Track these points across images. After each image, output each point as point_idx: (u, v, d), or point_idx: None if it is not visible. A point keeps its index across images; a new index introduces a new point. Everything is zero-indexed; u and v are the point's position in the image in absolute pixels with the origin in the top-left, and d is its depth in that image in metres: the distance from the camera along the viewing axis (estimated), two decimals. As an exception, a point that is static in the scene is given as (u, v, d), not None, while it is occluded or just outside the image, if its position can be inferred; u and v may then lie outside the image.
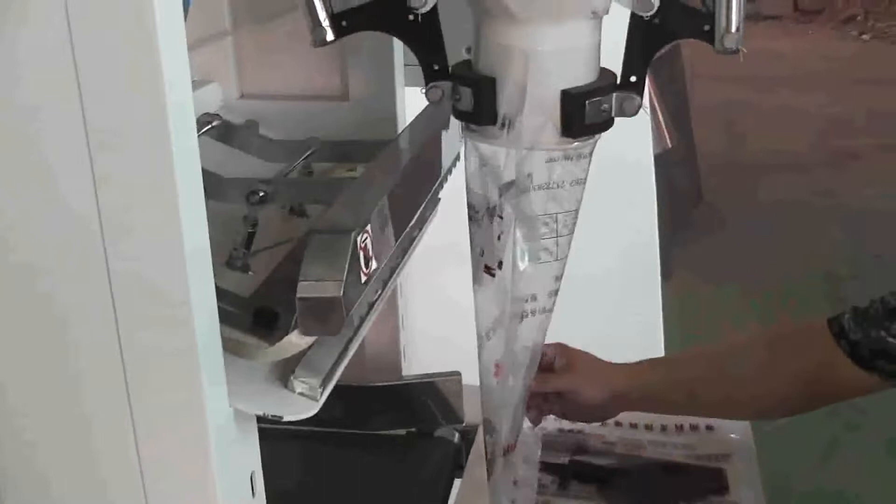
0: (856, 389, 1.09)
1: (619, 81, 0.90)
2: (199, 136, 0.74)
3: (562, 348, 1.23)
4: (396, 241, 0.96)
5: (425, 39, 0.91)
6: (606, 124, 0.90)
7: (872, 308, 1.06)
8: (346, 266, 0.77)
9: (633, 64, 0.90)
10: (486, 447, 1.08)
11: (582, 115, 0.87)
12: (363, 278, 0.82)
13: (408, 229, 1.01)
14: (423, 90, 0.93)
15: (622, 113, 0.90)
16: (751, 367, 1.17)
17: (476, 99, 0.90)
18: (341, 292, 0.76)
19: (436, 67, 0.93)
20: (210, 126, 1.11)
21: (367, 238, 0.82)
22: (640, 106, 0.90)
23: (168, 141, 0.68)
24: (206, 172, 0.74)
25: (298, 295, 0.76)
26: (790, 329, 1.22)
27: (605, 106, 0.88)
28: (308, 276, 0.76)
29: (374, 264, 0.84)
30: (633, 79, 0.89)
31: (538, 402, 1.22)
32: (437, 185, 1.16)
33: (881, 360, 1.04)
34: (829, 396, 1.14)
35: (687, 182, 4.31)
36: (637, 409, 1.25)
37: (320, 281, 0.76)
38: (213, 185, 0.90)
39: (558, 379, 1.23)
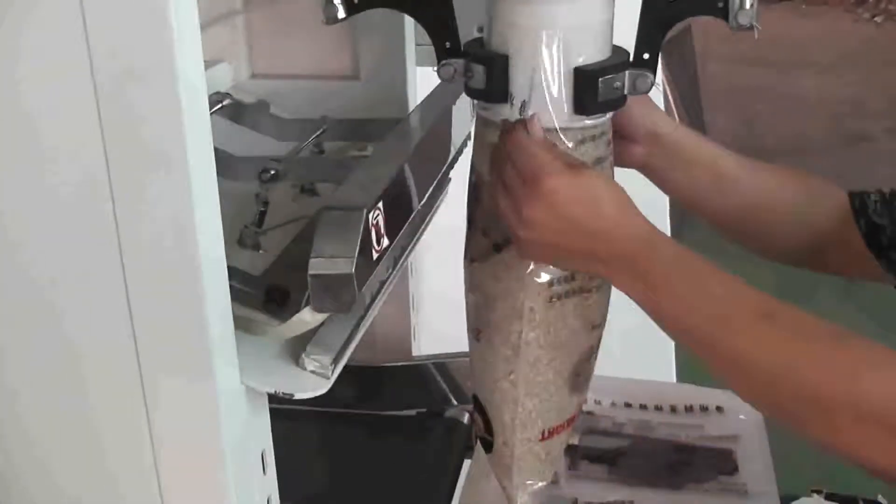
0: (858, 267, 1.03)
1: (632, 59, 0.89)
2: (210, 115, 0.74)
3: None
4: (408, 219, 0.96)
5: (437, 17, 0.91)
6: (619, 101, 0.89)
7: None
8: (358, 243, 0.77)
9: (646, 41, 0.89)
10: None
11: (595, 92, 0.87)
12: (375, 256, 0.82)
13: (419, 208, 1.01)
14: (436, 68, 0.93)
15: (635, 90, 0.89)
16: (753, 188, 1.08)
17: (489, 76, 0.90)
18: (353, 269, 0.76)
19: (448, 45, 0.92)
20: (221, 105, 1.11)
21: (378, 215, 0.82)
22: (652, 83, 0.90)
23: (180, 120, 0.68)
24: (217, 151, 0.74)
25: (310, 272, 0.76)
26: (813, 182, 1.11)
27: (618, 83, 0.88)
28: (320, 253, 0.76)
29: (385, 242, 0.84)
30: (646, 56, 0.89)
31: None
32: (448, 164, 1.16)
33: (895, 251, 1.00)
34: (832, 262, 1.08)
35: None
36: (658, 168, 1.07)
37: (332, 258, 0.76)
38: (225, 163, 0.90)
39: None
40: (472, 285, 0.99)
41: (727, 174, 1.09)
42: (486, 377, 1.00)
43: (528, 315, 0.94)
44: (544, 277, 0.93)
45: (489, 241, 0.94)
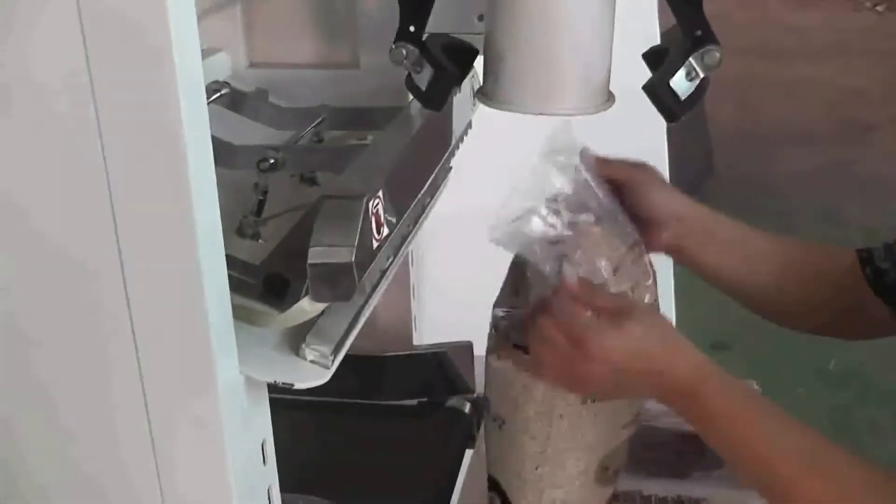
0: (879, 323, 1.05)
1: (689, 43, 0.89)
2: (208, 104, 0.73)
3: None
4: (408, 208, 0.96)
5: None
6: (703, 88, 0.89)
7: None
8: (358, 231, 0.77)
9: (689, 19, 0.88)
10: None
11: (673, 96, 0.87)
12: (375, 244, 0.81)
13: (419, 197, 1.01)
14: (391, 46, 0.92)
15: (708, 68, 0.89)
16: (778, 260, 1.12)
17: (432, 83, 0.90)
18: (353, 258, 0.75)
19: (412, 28, 0.92)
20: (219, 94, 1.10)
21: (378, 204, 0.82)
22: (720, 55, 0.89)
23: (178, 109, 0.67)
24: (215, 140, 0.73)
25: (310, 261, 0.76)
26: (818, 245, 1.17)
27: (690, 72, 0.88)
28: (319, 242, 0.76)
29: (385, 231, 0.84)
30: (699, 33, 0.88)
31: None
32: (448, 152, 1.15)
33: None
34: (851, 322, 1.10)
35: (699, 153, 4.29)
36: (688, 250, 1.09)
37: (332, 247, 0.76)
38: (223, 152, 0.89)
39: (626, 167, 1.06)
40: (496, 379, 0.99)
41: (757, 251, 1.11)
42: (508, 465, 1.01)
43: (556, 421, 0.95)
44: None
45: (510, 342, 0.95)
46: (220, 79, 1.14)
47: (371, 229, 0.81)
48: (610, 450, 0.99)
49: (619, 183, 1.04)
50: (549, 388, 0.94)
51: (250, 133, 1.08)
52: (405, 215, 0.95)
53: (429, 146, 1.08)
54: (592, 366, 0.86)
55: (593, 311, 0.87)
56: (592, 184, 0.96)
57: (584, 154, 1.00)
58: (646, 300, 0.95)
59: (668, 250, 1.06)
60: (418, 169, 1.02)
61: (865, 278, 1.04)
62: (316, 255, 0.76)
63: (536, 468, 0.98)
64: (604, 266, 0.92)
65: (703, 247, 1.09)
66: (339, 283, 0.76)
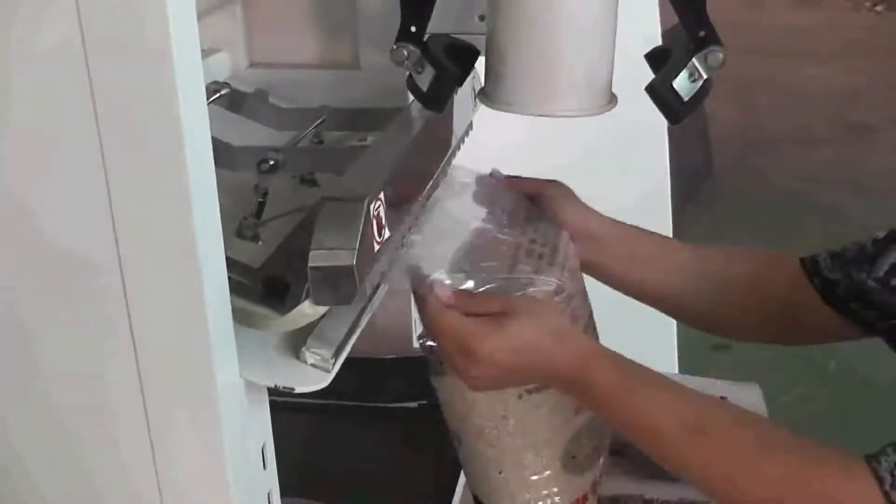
0: (826, 330, 1.05)
1: (692, 44, 0.89)
2: (208, 104, 0.73)
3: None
4: (409, 210, 0.95)
5: None
6: (706, 89, 0.89)
7: (848, 252, 1.02)
8: (360, 234, 0.76)
9: (692, 20, 0.89)
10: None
11: (676, 97, 0.87)
12: (376, 247, 0.81)
13: (420, 199, 1.00)
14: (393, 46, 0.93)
15: (712, 69, 0.89)
16: (706, 272, 1.11)
17: (435, 83, 0.90)
18: (354, 261, 0.75)
19: (413, 29, 0.92)
20: (219, 95, 1.09)
21: (379, 206, 0.81)
22: (724, 56, 0.89)
23: (177, 109, 0.66)
24: (215, 141, 0.73)
25: (310, 264, 0.75)
26: (760, 253, 1.15)
27: (692, 74, 0.88)
28: (320, 245, 0.75)
29: (387, 233, 0.83)
30: (702, 34, 0.88)
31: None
32: (449, 154, 1.15)
33: (855, 302, 1.00)
34: (800, 330, 1.09)
35: (698, 154, 4.29)
36: (600, 265, 1.09)
37: (333, 249, 0.75)
38: (223, 153, 0.89)
39: (536, 183, 1.09)
40: (442, 398, 1.00)
41: (680, 265, 1.11)
42: (478, 478, 1.01)
43: (502, 423, 0.95)
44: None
45: (437, 357, 0.95)
46: (220, 79, 1.13)
47: (372, 232, 0.80)
48: (570, 437, 0.98)
49: (530, 198, 1.06)
50: (485, 393, 0.94)
51: (250, 134, 1.07)
52: (407, 217, 0.94)
53: (430, 147, 1.07)
54: (483, 369, 0.88)
55: (477, 316, 0.88)
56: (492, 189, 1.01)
57: (494, 172, 1.05)
58: (549, 281, 0.94)
59: (583, 267, 1.05)
60: (419, 170, 1.01)
61: (815, 289, 1.03)
62: (317, 258, 0.75)
63: (500, 473, 0.98)
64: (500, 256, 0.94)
65: (622, 263, 1.09)
66: (341, 287, 0.76)
